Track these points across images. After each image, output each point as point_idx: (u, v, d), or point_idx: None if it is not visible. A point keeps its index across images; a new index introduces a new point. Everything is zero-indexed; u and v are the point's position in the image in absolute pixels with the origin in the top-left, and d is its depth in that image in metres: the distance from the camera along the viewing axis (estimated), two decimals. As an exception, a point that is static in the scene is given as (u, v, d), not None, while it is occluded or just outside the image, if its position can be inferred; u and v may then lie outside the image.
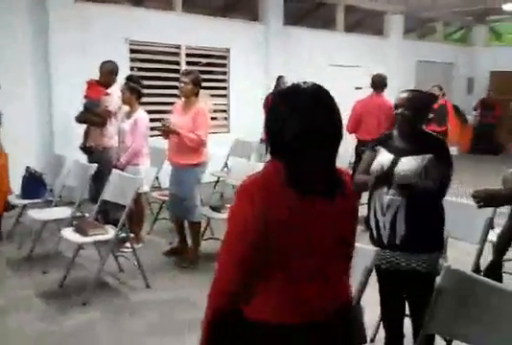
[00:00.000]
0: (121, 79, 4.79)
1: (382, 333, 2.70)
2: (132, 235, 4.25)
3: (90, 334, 3.13)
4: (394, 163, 2.32)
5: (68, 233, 3.71)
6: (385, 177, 2.30)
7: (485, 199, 1.85)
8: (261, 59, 8.30)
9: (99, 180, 4.31)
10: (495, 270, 2.12)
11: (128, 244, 4.13)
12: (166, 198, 4.73)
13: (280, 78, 5.33)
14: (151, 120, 4.81)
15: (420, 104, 2.38)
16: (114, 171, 4.10)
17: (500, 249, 2.13)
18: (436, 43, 11.65)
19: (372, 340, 2.86)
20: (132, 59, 7.00)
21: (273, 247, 1.33)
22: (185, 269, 4.15)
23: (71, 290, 3.69)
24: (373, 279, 2.00)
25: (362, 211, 6.16)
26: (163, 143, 4.44)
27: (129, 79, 4.59)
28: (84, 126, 5.09)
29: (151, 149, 4.77)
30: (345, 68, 9.34)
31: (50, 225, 4.34)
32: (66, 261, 3.86)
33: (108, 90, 4.89)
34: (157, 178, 5.32)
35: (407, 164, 2.29)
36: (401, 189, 2.26)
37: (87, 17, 6.34)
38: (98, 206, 4.05)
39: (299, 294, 1.38)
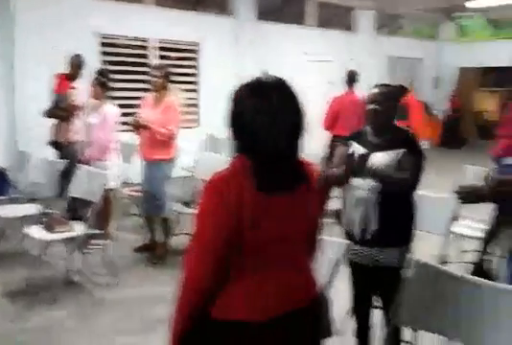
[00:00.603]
0: (90, 72, 4.70)
1: (350, 324, 2.74)
2: (101, 231, 4.19)
3: (58, 332, 3.08)
4: (367, 158, 2.31)
5: (35, 230, 3.64)
6: (360, 166, 2.26)
7: (468, 196, 1.87)
8: (232, 54, 8.27)
9: (67, 176, 4.23)
10: (479, 267, 2.13)
11: (96, 241, 4.06)
12: (137, 194, 4.67)
13: (265, 72, 5.32)
14: (121, 114, 4.73)
15: (391, 99, 2.39)
16: (81, 166, 4.03)
17: (484, 246, 2.14)
18: (405, 39, 11.82)
19: (341, 332, 2.88)
20: (103, 53, 6.88)
21: (243, 242, 1.33)
22: (155, 265, 4.12)
23: (38, 289, 3.62)
24: (341, 271, 2.02)
25: (333, 204, 6.18)
26: (133, 138, 4.38)
27: (99, 72, 4.51)
28: (52, 120, 4.99)
29: (122, 145, 4.70)
30: (317, 63, 9.39)
31: (15, 223, 4.24)
32: (33, 259, 3.78)
33: (75, 84, 4.79)
34: (128, 174, 5.24)
35: (380, 158, 2.29)
36: (375, 180, 2.26)
37: (55, 10, 6.20)
38: (66, 203, 3.98)
39: (266, 290, 1.38)
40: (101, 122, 4.33)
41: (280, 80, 1.40)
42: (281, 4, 9.91)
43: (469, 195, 1.85)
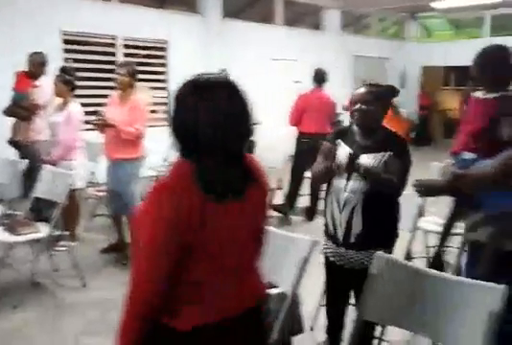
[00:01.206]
0: (53, 70, 4.60)
1: (321, 321, 2.76)
2: (67, 232, 4.11)
3: (25, 336, 3.01)
4: (354, 159, 2.28)
5: (-3, 232, 3.54)
6: (351, 165, 2.24)
7: (425, 189, 1.91)
8: (200, 52, 8.22)
9: (30, 176, 4.13)
10: (436, 259, 2.18)
11: (62, 243, 3.98)
12: (103, 194, 4.60)
13: (223, 71, 5.32)
14: (86, 113, 4.65)
15: (380, 99, 2.32)
16: (46, 166, 3.94)
17: (441, 238, 2.20)
18: (371, 38, 11.98)
19: (311, 329, 2.91)
20: (67, 50, 6.74)
21: (194, 247, 1.29)
22: (124, 267, 4.06)
23: (3, 292, 3.52)
24: (310, 269, 2.03)
25: (304, 202, 6.21)
26: (99, 137, 4.31)
27: (63, 70, 4.41)
28: (12, 119, 4.87)
29: (87, 144, 4.61)
30: (284, 62, 9.43)
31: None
32: (-4, 261, 3.68)
33: (37, 82, 4.68)
34: (94, 173, 5.16)
35: (367, 161, 2.25)
36: (364, 175, 2.21)
37: (16, 6, 6.04)
38: (30, 203, 3.88)
39: (219, 293, 1.36)
40: (65, 121, 4.24)
41: (226, 78, 1.35)
42: (249, 2, 9.91)
43: (426, 189, 1.89)
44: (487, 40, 11.17)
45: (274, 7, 9.77)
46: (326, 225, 2.42)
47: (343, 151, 2.33)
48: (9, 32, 5.90)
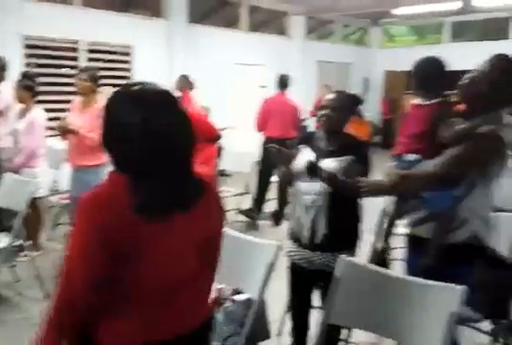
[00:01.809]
0: (14, 75, 4.49)
1: (288, 326, 2.77)
2: (29, 242, 4.01)
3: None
4: (316, 163, 2.32)
5: (-45, 243, 3.42)
6: (314, 169, 2.27)
7: (370, 189, 1.99)
8: (165, 57, 8.19)
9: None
10: (381, 256, 2.30)
11: (25, 253, 3.88)
12: (66, 202, 4.51)
13: (185, 76, 5.27)
14: (50, 119, 4.56)
15: (345, 106, 2.39)
16: (7, 174, 3.84)
17: (385, 236, 2.32)
18: (335, 44, 12.17)
19: (279, 333, 2.92)
20: (28, 55, 6.60)
21: (127, 269, 1.24)
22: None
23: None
24: (277, 273, 2.04)
25: (272, 206, 6.21)
26: (62, 143, 4.23)
27: (24, 76, 4.31)
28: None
29: (49, 150, 4.52)
30: (249, 67, 9.48)
31: None
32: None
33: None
34: (57, 181, 5.05)
35: (329, 165, 2.30)
36: (326, 180, 2.26)
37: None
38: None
39: (152, 317, 1.30)
40: (27, 127, 4.14)
41: (161, 88, 1.28)
42: (214, 8, 9.93)
43: (371, 189, 1.97)
44: (448, 46, 11.53)
45: (239, 12, 9.81)
46: (291, 228, 2.46)
47: (307, 156, 2.38)
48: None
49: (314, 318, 2.55)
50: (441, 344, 1.59)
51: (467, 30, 12.09)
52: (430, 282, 1.72)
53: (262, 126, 5.59)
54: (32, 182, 3.66)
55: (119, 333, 1.29)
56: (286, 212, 5.47)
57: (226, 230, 1.52)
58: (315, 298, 2.49)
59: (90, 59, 7.27)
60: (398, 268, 2.58)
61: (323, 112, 2.37)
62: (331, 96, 2.40)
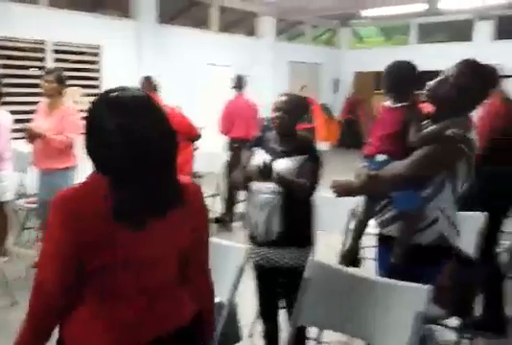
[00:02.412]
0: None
1: (259, 327, 2.78)
2: (-5, 247, 3.92)
3: None
4: (271, 163, 2.39)
5: None
6: (267, 171, 2.34)
7: (341, 190, 2.02)
8: (135, 57, 8.10)
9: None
10: (351, 256, 2.35)
11: (-10, 258, 3.79)
12: (34, 206, 4.42)
13: (147, 78, 5.18)
14: (16, 121, 4.45)
15: (297, 108, 2.49)
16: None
17: (356, 235, 2.36)
18: (305, 45, 12.26)
19: (251, 335, 2.93)
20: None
21: (97, 274, 1.24)
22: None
23: None
24: (246, 276, 2.04)
25: (241, 208, 6.19)
26: (28, 146, 4.14)
27: (-12, 77, 4.20)
28: None
29: (15, 153, 4.41)
30: (220, 67, 9.45)
31: None
32: None
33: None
34: (23, 184, 4.94)
35: (283, 165, 2.39)
36: (278, 182, 2.35)
37: None
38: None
39: (124, 320, 1.30)
40: (-8, 130, 4.04)
41: (141, 94, 1.28)
42: (184, 8, 9.87)
43: (342, 190, 2.00)
44: (414, 47, 11.75)
45: (209, 13, 9.78)
46: (247, 227, 2.52)
47: (261, 158, 2.45)
48: None
49: (285, 318, 2.58)
50: (408, 343, 1.62)
51: (433, 31, 12.34)
52: (397, 282, 1.76)
53: (227, 128, 5.62)
54: (-4, 186, 3.58)
55: (96, 336, 1.29)
56: (235, 213, 5.55)
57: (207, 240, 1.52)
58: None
59: (57, 60, 7.14)
60: (370, 268, 2.62)
61: (276, 114, 2.45)
62: (283, 98, 2.49)
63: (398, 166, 1.99)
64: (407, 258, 2.01)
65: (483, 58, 2.07)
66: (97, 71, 7.79)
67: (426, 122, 2.10)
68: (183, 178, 1.37)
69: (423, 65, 2.30)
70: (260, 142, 2.56)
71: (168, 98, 5.17)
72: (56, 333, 1.37)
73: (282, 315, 2.59)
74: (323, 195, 3.17)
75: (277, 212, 2.37)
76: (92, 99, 1.31)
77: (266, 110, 11.01)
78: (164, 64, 8.16)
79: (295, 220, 2.40)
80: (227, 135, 5.68)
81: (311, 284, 1.86)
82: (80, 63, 7.63)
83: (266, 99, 10.34)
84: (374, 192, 2.12)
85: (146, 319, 1.32)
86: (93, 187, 1.25)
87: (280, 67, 11.00)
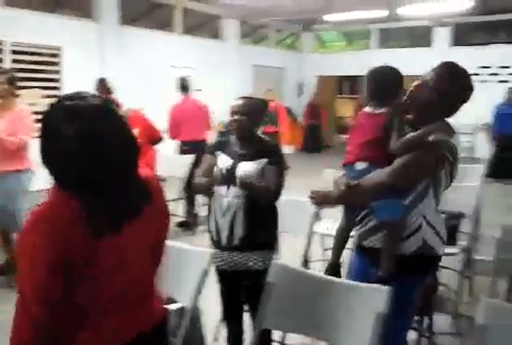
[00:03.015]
0: None
1: (223, 331, 2.77)
2: None
3: None
4: (233, 167, 2.40)
5: None
6: (229, 177, 2.35)
7: (320, 200, 2.00)
8: (97, 59, 7.97)
9: None
10: (335, 270, 2.26)
11: None
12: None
13: (102, 80, 5.07)
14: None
15: (255, 110, 2.47)
16: None
17: (336, 250, 2.27)
18: (269, 49, 12.33)
19: (215, 339, 2.91)
20: None
21: (79, 287, 1.22)
22: (12, 289, 3.78)
23: None
24: (210, 279, 2.03)
25: (204, 211, 6.09)
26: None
27: None
28: None
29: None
30: (184, 70, 9.39)
31: None
32: None
33: None
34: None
35: (246, 169, 2.38)
36: (241, 187, 2.33)
37: None
38: None
39: (108, 322, 1.30)
40: None
41: (99, 99, 1.26)
42: (147, 10, 9.77)
43: (321, 200, 1.98)
44: (375, 52, 11.99)
45: (173, 15, 9.72)
46: (210, 231, 2.50)
47: (223, 162, 2.46)
48: None
49: (249, 321, 2.58)
50: (369, 344, 1.65)
51: (393, 37, 12.63)
52: (358, 283, 1.78)
53: (175, 132, 5.52)
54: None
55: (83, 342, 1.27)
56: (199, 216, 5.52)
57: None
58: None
59: (15, 61, 6.95)
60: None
61: (234, 118, 2.44)
62: (240, 101, 2.47)
63: (379, 174, 1.92)
64: (393, 269, 1.92)
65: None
66: (57, 72, 7.63)
67: (406, 128, 2.01)
68: (145, 171, 1.35)
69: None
70: (222, 145, 2.54)
71: (130, 100, 5.11)
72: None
73: (247, 318, 2.59)
74: (287, 198, 3.20)
75: (241, 216, 2.36)
76: (52, 100, 1.28)
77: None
78: (126, 66, 8.06)
79: (259, 224, 2.39)
80: (176, 139, 5.58)
81: (274, 287, 1.86)
82: (39, 64, 7.46)
83: (230, 102, 10.32)
84: (354, 202, 2.04)
85: (127, 321, 1.32)
86: (59, 203, 1.21)
87: (244, 70, 11.03)
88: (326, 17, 10.32)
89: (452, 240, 3.40)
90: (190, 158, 5.18)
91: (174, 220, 5.48)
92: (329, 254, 3.00)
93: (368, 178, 1.95)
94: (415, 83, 1.98)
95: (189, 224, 5.48)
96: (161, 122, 5.51)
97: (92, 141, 1.17)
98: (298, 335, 2.11)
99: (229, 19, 10.74)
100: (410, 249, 1.94)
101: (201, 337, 2.11)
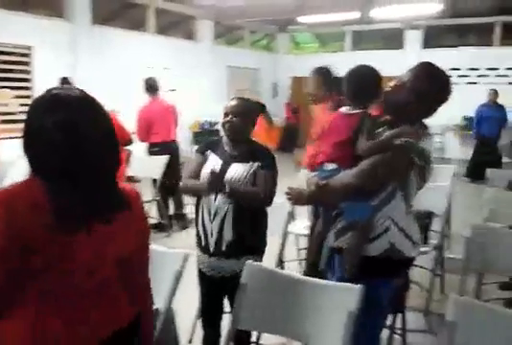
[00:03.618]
0: None
1: (199, 333, 2.76)
2: None
3: None
4: (224, 168, 2.35)
5: None
6: (217, 183, 2.30)
7: (294, 198, 2.00)
8: (68, 59, 7.84)
9: None
10: (314, 270, 2.25)
11: None
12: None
13: (64, 79, 4.95)
14: None
15: (248, 112, 2.42)
16: None
17: (313, 249, 2.27)
18: (244, 49, 12.34)
19: (190, 341, 2.90)
20: None
21: (37, 285, 1.21)
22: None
23: None
24: (183, 281, 2.02)
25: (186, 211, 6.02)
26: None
27: None
28: None
29: None
30: (158, 70, 9.33)
31: None
32: None
33: None
34: None
35: (236, 171, 2.33)
36: (230, 195, 2.28)
37: None
38: None
39: (77, 323, 1.28)
40: None
41: (81, 92, 1.28)
42: (120, 10, 9.67)
43: (295, 198, 1.98)
44: (349, 54, 12.12)
45: (146, 15, 9.65)
46: (198, 236, 2.45)
47: (212, 163, 2.41)
48: None
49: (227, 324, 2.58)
50: (342, 342, 1.67)
51: (366, 39, 12.78)
52: (330, 282, 1.80)
53: (144, 135, 5.43)
54: None
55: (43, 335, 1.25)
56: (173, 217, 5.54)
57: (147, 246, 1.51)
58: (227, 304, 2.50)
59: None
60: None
61: (227, 119, 2.40)
62: (234, 102, 2.43)
63: (348, 175, 1.93)
64: (358, 271, 1.93)
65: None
66: (28, 73, 7.48)
67: (382, 129, 2.02)
68: (122, 184, 1.37)
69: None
70: (213, 145, 2.49)
71: (104, 101, 5.03)
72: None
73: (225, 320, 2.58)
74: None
75: (230, 221, 2.30)
76: (23, 101, 1.29)
77: (205, 114, 11.01)
78: (99, 66, 7.96)
79: (248, 229, 2.34)
80: (146, 141, 5.50)
81: (248, 287, 1.87)
82: (9, 64, 7.31)
83: (204, 102, 10.33)
84: (324, 201, 2.05)
85: (100, 318, 1.32)
86: (28, 188, 1.21)
87: (219, 71, 11.01)
88: (300, 19, 10.38)
89: (423, 238, 3.48)
90: (164, 159, 5.14)
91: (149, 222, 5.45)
92: (303, 254, 3.03)
93: (337, 179, 1.97)
94: (391, 84, 1.96)
95: (163, 226, 5.44)
96: (135, 123, 5.45)
97: (70, 131, 1.19)
98: (273, 335, 2.11)
99: (203, 20, 10.71)
100: (377, 251, 1.92)
101: (175, 339, 2.10)
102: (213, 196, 2.34)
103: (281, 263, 3.09)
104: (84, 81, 7.04)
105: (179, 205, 5.59)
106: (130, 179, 5.86)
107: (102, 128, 1.27)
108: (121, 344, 1.40)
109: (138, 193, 1.42)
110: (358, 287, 1.71)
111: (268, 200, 2.37)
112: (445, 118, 10.94)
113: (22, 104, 7.26)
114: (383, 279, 1.97)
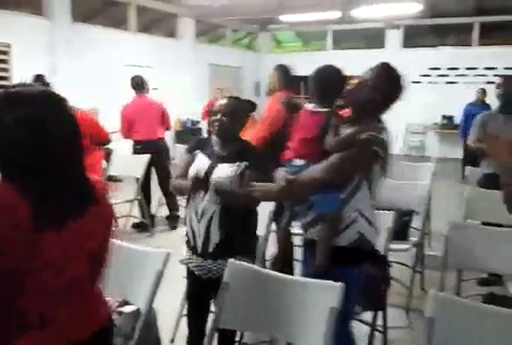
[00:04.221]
0: None
1: (181, 332, 2.76)
2: None
3: None
4: (211, 169, 2.32)
5: None
6: (202, 183, 2.28)
7: (262, 194, 2.03)
8: (48, 57, 7.75)
9: None
10: (279, 263, 2.30)
11: None
12: None
13: (39, 76, 4.90)
14: None
15: (237, 111, 2.39)
16: None
17: (282, 243, 2.32)
18: (226, 48, 12.32)
19: (172, 340, 2.90)
20: None
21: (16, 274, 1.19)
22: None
23: None
24: (165, 281, 2.02)
25: (164, 211, 6.03)
26: None
27: None
28: None
29: None
30: (139, 68, 9.26)
31: None
32: None
33: None
34: None
35: (224, 170, 2.30)
36: (216, 195, 2.27)
37: None
38: None
39: (50, 323, 1.26)
40: None
41: (45, 89, 1.28)
42: (100, 7, 9.58)
43: (263, 194, 2.01)
44: (330, 53, 12.19)
45: (127, 12, 9.57)
46: (187, 236, 2.43)
47: (200, 162, 2.38)
48: None
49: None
50: (324, 339, 1.68)
51: (348, 38, 12.86)
52: (312, 280, 1.81)
53: (127, 132, 5.42)
54: None
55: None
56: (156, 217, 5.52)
57: (112, 239, 1.49)
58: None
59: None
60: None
61: (216, 117, 2.36)
62: (223, 101, 2.40)
63: (316, 169, 2.00)
64: (328, 261, 2.01)
65: (394, 65, 2.14)
66: (6, 70, 7.37)
67: (345, 125, 2.10)
68: (91, 177, 1.36)
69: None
70: (202, 145, 2.46)
71: (84, 100, 5.00)
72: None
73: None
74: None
75: (216, 222, 2.28)
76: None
77: (187, 112, 10.95)
78: (80, 64, 7.88)
79: (237, 230, 2.31)
80: (130, 138, 5.48)
81: (231, 286, 1.87)
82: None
83: (186, 101, 10.28)
84: (293, 196, 2.10)
85: (58, 319, 1.28)
86: (3, 194, 1.18)
87: (201, 69, 10.98)
88: (282, 18, 10.41)
89: (404, 236, 3.52)
90: (146, 158, 5.10)
91: (129, 221, 5.41)
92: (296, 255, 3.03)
93: (305, 173, 2.04)
94: (354, 82, 2.08)
95: (145, 225, 5.40)
96: (116, 121, 5.41)
97: (34, 127, 1.18)
98: (256, 334, 2.12)
99: (185, 18, 10.67)
100: (346, 241, 2.03)
101: (157, 339, 2.10)
102: (201, 197, 2.32)
103: (264, 261, 3.10)
104: (65, 80, 6.99)
105: (174, 207, 5.54)
106: (111, 179, 5.80)
107: (69, 126, 1.26)
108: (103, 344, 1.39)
109: (105, 183, 1.43)
110: (339, 284, 1.73)
111: (255, 201, 2.33)
112: (424, 117, 11.12)
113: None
114: (352, 268, 2.04)
